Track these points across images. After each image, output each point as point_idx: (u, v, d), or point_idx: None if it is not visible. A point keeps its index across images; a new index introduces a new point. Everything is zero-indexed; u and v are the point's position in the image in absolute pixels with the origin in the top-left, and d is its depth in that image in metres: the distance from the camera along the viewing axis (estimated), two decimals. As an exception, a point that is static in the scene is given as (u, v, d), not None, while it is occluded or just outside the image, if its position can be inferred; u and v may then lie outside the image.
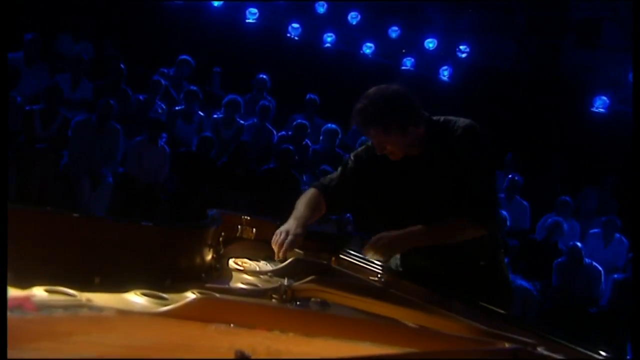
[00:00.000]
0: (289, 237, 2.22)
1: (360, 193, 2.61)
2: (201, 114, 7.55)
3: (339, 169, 2.64)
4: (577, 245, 6.79)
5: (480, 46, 9.84)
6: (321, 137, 7.74)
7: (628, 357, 5.96)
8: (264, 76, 8.24)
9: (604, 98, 9.04)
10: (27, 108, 6.40)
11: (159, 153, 6.59)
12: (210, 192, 6.47)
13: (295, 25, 9.81)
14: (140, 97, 7.47)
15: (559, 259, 6.83)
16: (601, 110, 9.09)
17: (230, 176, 6.71)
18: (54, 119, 6.42)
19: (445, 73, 9.95)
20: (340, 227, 6.44)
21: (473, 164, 2.36)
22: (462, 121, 2.43)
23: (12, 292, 1.13)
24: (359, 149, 2.64)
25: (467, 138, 2.37)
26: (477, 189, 2.35)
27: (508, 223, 6.79)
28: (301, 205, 2.44)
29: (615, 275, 6.87)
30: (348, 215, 6.53)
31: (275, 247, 2.23)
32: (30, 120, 6.32)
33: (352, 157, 2.62)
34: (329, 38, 9.91)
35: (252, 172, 6.92)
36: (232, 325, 1.28)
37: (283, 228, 2.27)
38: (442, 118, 2.46)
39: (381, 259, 2.41)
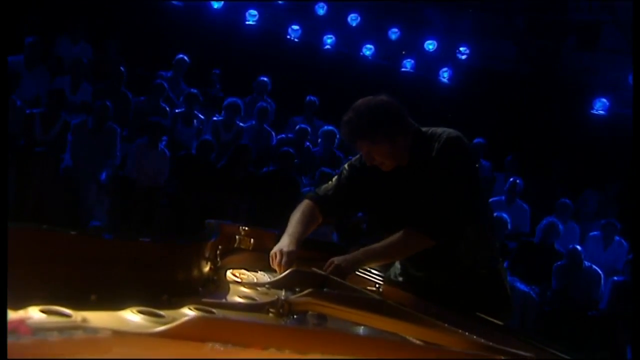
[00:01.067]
0: (284, 259, 2.24)
1: (355, 201, 2.64)
2: (201, 117, 7.55)
3: (335, 178, 2.68)
4: (576, 248, 6.78)
5: (480, 48, 9.84)
6: (319, 140, 7.75)
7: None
8: (265, 79, 8.25)
9: (604, 100, 9.04)
10: (27, 111, 6.39)
11: (159, 156, 6.59)
12: (210, 196, 6.46)
13: (295, 27, 9.83)
14: (142, 100, 7.48)
15: (559, 262, 6.82)
16: (601, 112, 9.09)
17: (230, 179, 6.70)
18: (54, 122, 6.42)
19: (445, 75, 9.97)
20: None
21: (443, 177, 2.37)
22: (446, 132, 2.44)
23: (8, 315, 1.12)
24: (354, 158, 2.68)
25: (444, 150, 2.38)
26: (437, 202, 2.35)
27: (509, 227, 6.79)
28: (294, 221, 2.46)
29: (615, 278, 6.86)
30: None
31: (275, 268, 2.27)
32: (30, 124, 6.32)
33: (346, 167, 2.66)
34: (329, 40, 9.92)
35: (252, 175, 6.92)
36: (227, 344, 1.28)
37: (277, 248, 2.30)
38: (430, 129, 2.48)
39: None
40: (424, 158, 2.41)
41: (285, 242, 2.32)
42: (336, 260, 2.36)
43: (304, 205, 2.57)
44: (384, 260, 2.54)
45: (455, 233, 2.40)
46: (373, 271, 2.54)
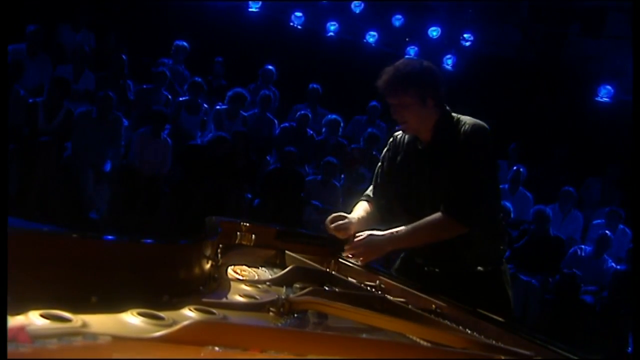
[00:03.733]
0: (345, 223, 2.47)
1: (390, 188, 2.69)
2: (205, 105, 7.53)
3: (374, 175, 2.78)
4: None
5: (484, 35, 9.78)
6: (323, 129, 7.73)
7: (629, 348, 5.99)
8: (271, 67, 8.21)
9: (609, 87, 8.97)
10: (30, 100, 6.38)
11: (161, 145, 6.58)
12: (213, 185, 6.46)
13: (298, 13, 9.78)
14: (144, 88, 7.46)
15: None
16: (605, 99, 9.02)
17: (231, 167, 6.69)
18: (57, 111, 6.40)
19: (449, 62, 9.90)
20: None
21: (467, 164, 2.41)
22: (472, 120, 2.49)
23: (8, 322, 1.13)
24: (384, 150, 2.75)
25: (469, 138, 2.43)
26: (464, 189, 2.39)
27: (512, 215, 6.78)
28: (355, 209, 2.66)
29: (617, 267, 6.87)
30: None
31: (336, 232, 2.47)
32: (33, 113, 6.30)
33: (380, 161, 2.75)
34: (332, 27, 9.88)
35: (253, 163, 6.91)
36: (227, 347, 1.28)
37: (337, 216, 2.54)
38: (458, 115, 2.53)
39: (359, 260, 2.47)
40: (447, 139, 2.46)
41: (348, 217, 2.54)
42: (367, 235, 2.45)
43: (360, 203, 2.73)
44: (415, 244, 2.55)
45: (484, 221, 2.46)
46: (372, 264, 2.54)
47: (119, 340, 1.19)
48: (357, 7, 9.91)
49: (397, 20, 9.95)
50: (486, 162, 2.47)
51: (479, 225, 2.44)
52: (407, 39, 9.99)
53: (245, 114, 7.54)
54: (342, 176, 7.11)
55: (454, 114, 2.52)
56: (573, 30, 9.36)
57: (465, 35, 9.82)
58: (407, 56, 9.87)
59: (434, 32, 9.89)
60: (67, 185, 6.25)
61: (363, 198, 2.75)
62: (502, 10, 9.74)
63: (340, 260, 2.53)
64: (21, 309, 1.22)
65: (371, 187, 2.76)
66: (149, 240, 1.60)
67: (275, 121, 7.75)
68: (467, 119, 2.48)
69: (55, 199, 6.10)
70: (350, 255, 2.48)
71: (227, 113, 7.43)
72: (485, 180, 2.46)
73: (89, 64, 7.32)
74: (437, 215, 2.39)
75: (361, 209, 2.66)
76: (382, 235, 2.47)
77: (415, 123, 2.47)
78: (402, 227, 2.47)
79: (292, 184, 6.67)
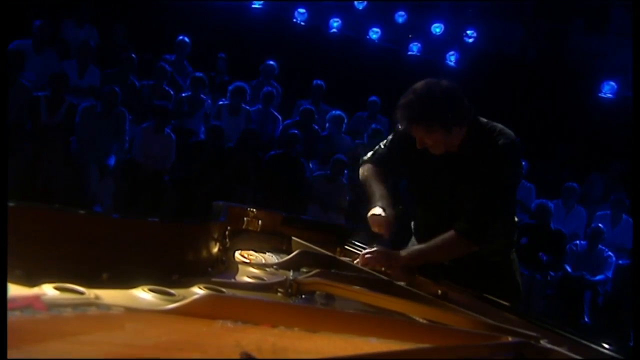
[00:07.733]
0: (385, 223, 2.41)
1: (402, 165, 2.62)
2: (208, 101, 7.54)
3: (386, 141, 2.68)
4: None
5: (487, 31, 9.78)
6: (327, 125, 7.73)
7: (630, 342, 6.00)
8: (272, 62, 8.22)
9: (612, 83, 8.99)
10: (33, 94, 6.40)
11: (164, 140, 6.60)
12: (217, 180, 6.47)
13: (302, 10, 9.78)
14: (145, 84, 7.46)
15: (576, 242, 6.87)
16: (609, 95, 9.04)
17: (237, 164, 6.71)
18: (59, 105, 6.42)
19: (452, 58, 9.90)
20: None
21: (490, 184, 2.33)
22: (504, 135, 2.38)
23: (23, 291, 1.15)
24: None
25: (499, 155, 2.33)
26: (482, 210, 2.33)
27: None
28: (374, 186, 2.56)
29: (620, 261, 6.87)
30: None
31: (378, 230, 2.42)
32: (35, 107, 6.32)
33: (397, 131, 2.60)
34: (335, 23, 9.87)
35: (258, 159, 6.92)
36: (237, 321, 1.30)
37: (372, 213, 2.45)
38: (489, 123, 2.43)
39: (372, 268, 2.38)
40: (475, 153, 2.37)
41: (378, 208, 2.45)
42: (381, 251, 2.35)
43: (369, 169, 2.64)
44: (429, 261, 2.46)
45: (499, 240, 2.44)
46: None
47: (132, 311, 1.20)
48: (360, 3, 9.92)
49: (400, 16, 9.95)
50: (510, 181, 2.40)
51: (493, 239, 2.41)
52: (410, 36, 9.99)
53: (250, 109, 7.55)
54: (345, 172, 7.12)
55: (483, 121, 2.43)
56: (576, 26, 9.36)
57: (468, 32, 9.83)
58: (409, 53, 9.90)
59: (437, 28, 9.89)
60: (71, 180, 6.27)
61: (372, 162, 2.66)
62: (505, 7, 9.74)
63: (347, 247, 2.55)
64: (34, 284, 1.24)
65: (379, 151, 2.66)
66: (157, 220, 1.62)
67: (280, 117, 7.75)
68: (497, 130, 2.38)
69: (60, 194, 6.12)
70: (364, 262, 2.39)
71: (229, 108, 7.44)
72: (507, 198, 2.41)
73: (93, 59, 7.33)
74: (451, 234, 2.32)
75: (381, 189, 2.55)
76: (395, 252, 2.39)
77: (443, 148, 2.39)
78: (415, 247, 2.46)
79: (293, 170, 6.67)
